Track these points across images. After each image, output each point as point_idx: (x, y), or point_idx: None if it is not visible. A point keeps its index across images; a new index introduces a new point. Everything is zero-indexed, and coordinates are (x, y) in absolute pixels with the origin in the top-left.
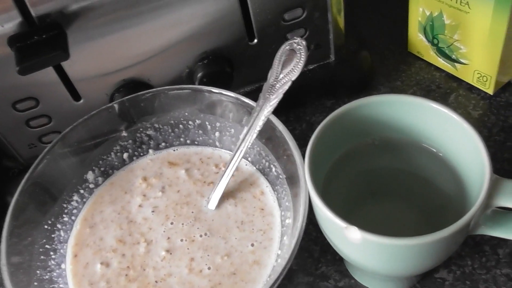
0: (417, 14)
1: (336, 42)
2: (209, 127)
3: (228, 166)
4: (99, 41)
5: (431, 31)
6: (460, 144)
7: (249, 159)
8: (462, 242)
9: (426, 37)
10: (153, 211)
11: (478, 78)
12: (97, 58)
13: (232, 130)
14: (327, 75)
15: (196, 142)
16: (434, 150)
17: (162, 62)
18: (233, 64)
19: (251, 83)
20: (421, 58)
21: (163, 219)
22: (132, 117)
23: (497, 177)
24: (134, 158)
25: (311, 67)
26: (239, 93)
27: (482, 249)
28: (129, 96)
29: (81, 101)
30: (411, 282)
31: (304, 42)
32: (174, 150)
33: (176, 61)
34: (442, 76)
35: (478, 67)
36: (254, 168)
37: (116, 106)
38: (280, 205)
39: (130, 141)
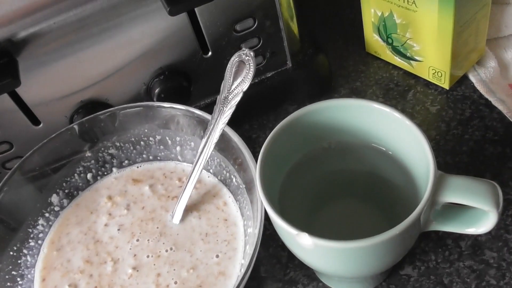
0: (369, 15)
1: (292, 48)
2: (169, 142)
3: (189, 178)
4: (52, 66)
5: (385, 30)
6: (406, 142)
7: (211, 170)
8: (416, 239)
9: (381, 37)
10: (119, 229)
11: (433, 74)
12: (52, 82)
13: (192, 143)
14: (286, 81)
15: (158, 158)
16: (384, 149)
17: (118, 81)
18: (190, 78)
19: (210, 95)
20: (379, 58)
21: (129, 236)
22: (93, 137)
23: (442, 174)
24: (98, 177)
25: (269, 75)
26: (199, 106)
27: (445, 243)
28: (88, 117)
29: (41, 125)
30: (377, 281)
31: (252, 53)
32: (138, 167)
33: (133, 79)
34: (400, 74)
35: (432, 63)
36: (216, 179)
37: (76, 127)
38: (242, 215)
39: (93, 161)
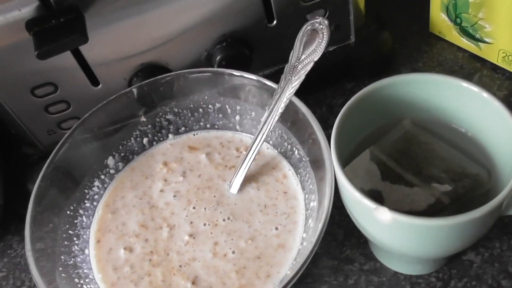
0: None
1: (357, 23)
2: (229, 110)
3: (250, 149)
4: (117, 25)
5: (454, 10)
6: (490, 123)
7: (271, 142)
8: (494, 221)
9: (449, 17)
10: (175, 196)
11: (503, 57)
12: (115, 42)
13: (253, 113)
14: (347, 57)
15: (216, 126)
16: (463, 130)
17: (180, 45)
18: (252, 46)
19: (271, 66)
20: (443, 39)
21: (185, 203)
22: (151, 101)
23: None
24: (154, 143)
25: (331, 49)
26: (258, 76)
27: (510, 231)
28: (148, 81)
29: (100, 86)
30: (438, 264)
31: (326, 22)
32: (194, 135)
33: (194, 44)
34: (465, 56)
35: (503, 46)
36: (276, 151)
37: (134, 90)
38: (303, 188)
39: (150, 126)
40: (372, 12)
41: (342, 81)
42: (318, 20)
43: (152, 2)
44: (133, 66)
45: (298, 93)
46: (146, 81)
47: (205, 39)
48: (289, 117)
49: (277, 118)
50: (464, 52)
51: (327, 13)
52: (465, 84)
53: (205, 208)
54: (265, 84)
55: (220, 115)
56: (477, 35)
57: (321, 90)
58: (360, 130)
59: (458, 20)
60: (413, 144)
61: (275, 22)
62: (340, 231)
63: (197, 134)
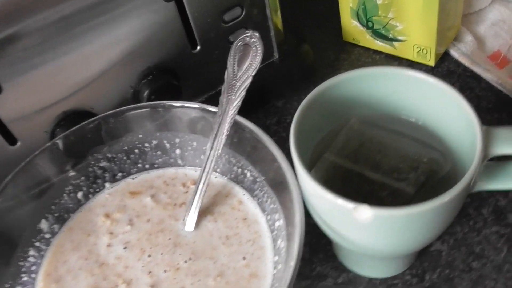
0: (347, 0)
1: (277, 38)
2: (167, 145)
3: (200, 181)
4: (31, 74)
5: (364, 14)
6: (440, 107)
7: (218, 170)
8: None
9: (360, 22)
10: (125, 248)
11: (418, 52)
12: (31, 92)
13: (194, 143)
14: (273, 74)
15: (156, 165)
16: (413, 120)
17: (103, 86)
18: (179, 75)
19: (201, 93)
20: (358, 45)
21: (139, 253)
22: (80, 151)
23: (487, 127)
24: (90, 196)
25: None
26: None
27: (467, 213)
28: (73, 129)
29: (18, 144)
30: (409, 261)
31: (257, 34)
32: (133, 179)
33: (118, 82)
34: (382, 58)
35: (417, 41)
36: (225, 178)
37: (59, 142)
38: (263, 210)
39: (83, 178)
40: (290, 27)
41: (271, 100)
42: (248, 34)
43: (68, 43)
44: (53, 116)
45: None
46: (71, 129)
47: (130, 75)
48: (235, 139)
49: (223, 140)
50: (380, 54)
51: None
52: (410, 73)
53: (162, 254)
54: (204, 109)
55: (159, 152)
56: (390, 35)
57: (252, 112)
58: (311, 137)
59: (370, 24)
60: (364, 141)
61: (198, 48)
62: (305, 249)
63: (136, 177)
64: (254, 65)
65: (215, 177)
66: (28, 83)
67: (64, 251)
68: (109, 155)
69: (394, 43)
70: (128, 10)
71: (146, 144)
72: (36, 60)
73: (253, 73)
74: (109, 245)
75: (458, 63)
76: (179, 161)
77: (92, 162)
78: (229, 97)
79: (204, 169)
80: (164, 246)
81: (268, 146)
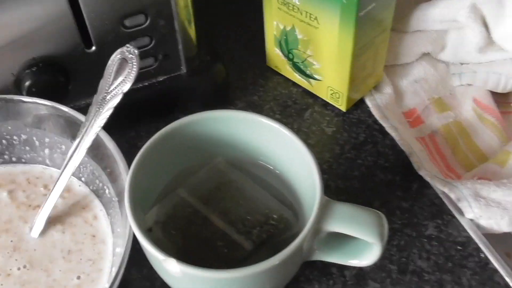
0: (272, 27)
1: (187, 53)
2: (37, 143)
3: (55, 186)
4: None
5: (286, 45)
6: (295, 162)
7: (83, 179)
8: (299, 267)
9: (282, 52)
10: None
11: (331, 94)
12: None
13: (63, 146)
14: (179, 88)
15: (23, 160)
16: (271, 167)
17: None
18: (68, 73)
19: (92, 95)
20: (280, 73)
21: None
22: None
23: (328, 200)
24: None
25: (160, 79)
26: (78, 106)
27: (330, 272)
28: None
29: None
30: None
31: (136, 51)
32: None
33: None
34: (299, 92)
35: (331, 83)
36: (88, 189)
37: None
38: (113, 231)
39: None
40: (206, 43)
41: (175, 112)
42: (128, 48)
43: None
44: None
45: (129, 123)
46: None
47: (12, 62)
48: (99, 153)
49: (84, 152)
50: (298, 88)
51: (153, 41)
52: (265, 120)
53: None
54: (70, 114)
55: (27, 148)
56: (308, 71)
57: (154, 121)
58: (167, 170)
59: (291, 56)
60: (222, 184)
61: (93, 48)
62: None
63: (0, 168)
64: (127, 82)
65: (79, 186)
66: None
67: None
68: None
69: (311, 79)
70: None
71: (15, 137)
72: None
73: (125, 90)
74: None
75: (370, 113)
76: (47, 161)
77: None
78: (97, 109)
79: (60, 175)
80: (3, 247)
81: (121, 170)
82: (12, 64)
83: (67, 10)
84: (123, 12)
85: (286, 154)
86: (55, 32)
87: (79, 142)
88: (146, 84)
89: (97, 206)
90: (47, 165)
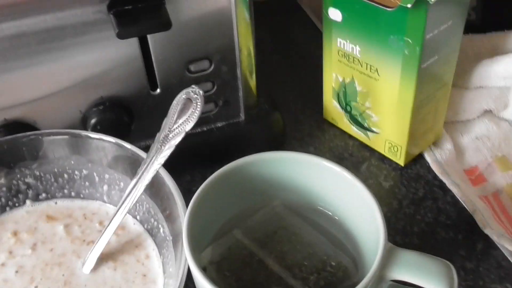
0: (331, 80)
1: (247, 100)
2: (97, 178)
3: (110, 222)
4: None
5: (344, 97)
6: (356, 207)
7: (138, 217)
8: None
9: (340, 104)
10: (17, 272)
11: (389, 148)
12: None
13: (122, 183)
14: (236, 135)
15: (81, 195)
16: (330, 214)
17: (51, 104)
18: (132, 113)
19: (154, 136)
20: (336, 126)
21: (27, 281)
22: (10, 161)
23: (392, 246)
24: (8, 208)
25: (219, 125)
26: (139, 147)
27: None
28: (8, 137)
29: None
30: None
31: (201, 92)
32: (56, 203)
33: (69, 104)
34: (356, 145)
35: (389, 137)
36: (143, 227)
37: None
38: (164, 271)
39: (4, 189)
40: (265, 92)
41: (232, 158)
42: (193, 89)
43: (23, 58)
44: None
45: (183, 168)
46: (5, 138)
47: (81, 100)
48: (156, 190)
49: (142, 188)
50: (354, 140)
51: (215, 87)
52: (327, 164)
53: (49, 287)
54: (133, 151)
55: (87, 183)
56: (366, 124)
57: (209, 167)
58: (224, 210)
59: (348, 108)
60: (280, 227)
61: (158, 90)
62: None
63: (59, 202)
64: (190, 121)
65: (134, 224)
66: None
67: None
68: (37, 173)
69: (368, 133)
70: (89, 40)
71: (77, 172)
72: None
73: (188, 129)
74: (3, 265)
75: (429, 169)
76: (105, 198)
77: (18, 176)
78: (159, 146)
79: (117, 211)
80: (54, 281)
81: (179, 209)
82: (81, 102)
83: (138, 54)
84: (189, 57)
85: (346, 199)
86: (123, 74)
87: (139, 178)
88: (205, 129)
89: (150, 245)
90: (104, 201)
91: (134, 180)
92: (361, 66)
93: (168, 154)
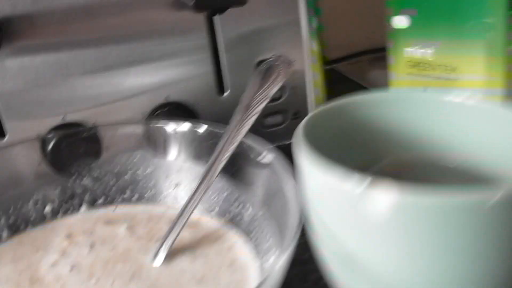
0: None
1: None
2: (163, 177)
3: (189, 202)
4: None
5: None
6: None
7: (213, 212)
8: None
9: None
10: (71, 270)
11: None
12: (35, 97)
13: (192, 182)
14: None
15: (145, 197)
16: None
17: (116, 106)
18: (197, 117)
19: None
20: None
21: (85, 277)
22: (66, 160)
23: None
24: (59, 215)
25: (287, 142)
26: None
27: None
28: (65, 132)
29: (5, 138)
30: None
31: (282, 58)
32: (113, 210)
33: (131, 107)
34: None
35: None
36: (221, 221)
37: (46, 139)
38: (258, 253)
39: (57, 192)
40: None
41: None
42: (273, 59)
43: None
44: (52, 125)
45: None
46: (62, 132)
47: (145, 102)
48: (237, 167)
49: (224, 162)
50: None
51: (284, 96)
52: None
53: (113, 281)
54: (217, 132)
55: (152, 183)
56: None
57: None
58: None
59: None
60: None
61: (226, 93)
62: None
63: (118, 208)
64: (275, 86)
65: (208, 221)
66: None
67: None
68: (95, 174)
69: None
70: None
71: (139, 171)
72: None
73: (272, 93)
74: (54, 264)
75: None
76: (172, 200)
77: (74, 177)
78: (239, 117)
79: (194, 193)
80: (120, 275)
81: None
82: (145, 104)
83: (208, 58)
84: (259, 58)
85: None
86: (192, 76)
87: (221, 149)
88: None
89: (232, 238)
90: (171, 204)
91: (215, 154)
92: (436, 70)
93: (251, 123)
